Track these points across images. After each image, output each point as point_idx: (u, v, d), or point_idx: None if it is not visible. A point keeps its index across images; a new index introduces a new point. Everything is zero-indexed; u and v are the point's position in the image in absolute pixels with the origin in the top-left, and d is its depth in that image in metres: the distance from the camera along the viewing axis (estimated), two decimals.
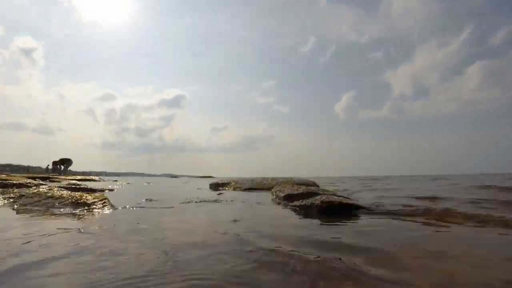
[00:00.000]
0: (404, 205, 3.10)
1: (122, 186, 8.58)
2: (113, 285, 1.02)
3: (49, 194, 3.43)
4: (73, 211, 2.74)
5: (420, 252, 1.45)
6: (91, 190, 5.32)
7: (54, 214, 2.59)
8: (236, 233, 1.85)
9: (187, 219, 2.48)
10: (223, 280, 1.07)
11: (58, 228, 1.95)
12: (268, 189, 6.15)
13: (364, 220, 2.40)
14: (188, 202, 3.76)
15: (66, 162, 20.36)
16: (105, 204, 3.04)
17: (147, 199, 3.86)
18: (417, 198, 4.24)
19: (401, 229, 2.05)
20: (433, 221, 2.32)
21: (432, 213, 2.64)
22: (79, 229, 1.88)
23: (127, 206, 3.22)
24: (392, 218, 2.47)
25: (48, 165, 21.59)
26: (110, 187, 7.36)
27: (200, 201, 3.87)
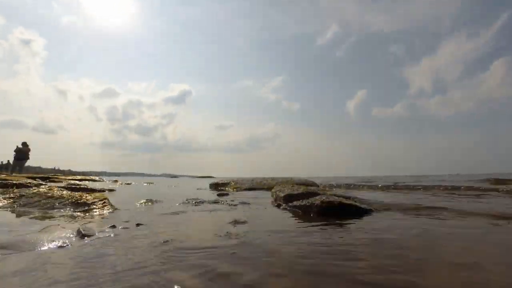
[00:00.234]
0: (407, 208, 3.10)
1: (122, 186, 8.57)
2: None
3: (49, 194, 3.43)
4: (73, 211, 2.74)
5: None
6: (91, 190, 5.32)
7: (53, 216, 2.59)
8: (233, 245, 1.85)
9: (187, 220, 2.48)
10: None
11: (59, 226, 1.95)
12: (268, 189, 6.15)
13: (365, 221, 2.40)
14: (188, 203, 3.76)
15: (22, 156, 14.18)
16: (105, 204, 3.04)
17: (147, 199, 3.86)
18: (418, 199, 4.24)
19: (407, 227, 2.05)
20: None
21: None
22: (78, 229, 1.87)
23: (127, 207, 3.22)
24: (394, 219, 2.47)
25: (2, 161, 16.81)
26: (110, 187, 7.36)
27: (199, 201, 3.87)
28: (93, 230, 1.88)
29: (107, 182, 11.32)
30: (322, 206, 2.74)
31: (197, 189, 8.03)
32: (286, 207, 3.29)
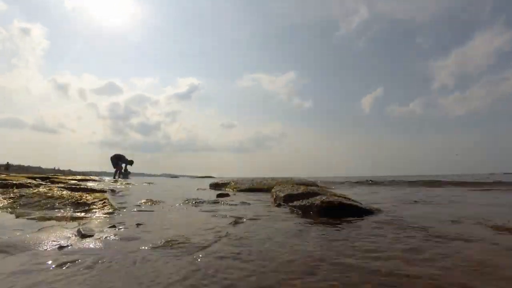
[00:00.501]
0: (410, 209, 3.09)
1: (122, 186, 8.58)
2: None
3: (49, 194, 3.43)
4: (73, 211, 2.74)
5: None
6: (91, 190, 5.32)
7: (53, 216, 2.59)
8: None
9: (187, 220, 2.48)
10: None
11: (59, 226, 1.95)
12: (268, 189, 6.15)
13: (367, 223, 2.40)
14: (188, 203, 3.76)
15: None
16: (105, 204, 3.04)
17: (147, 199, 3.85)
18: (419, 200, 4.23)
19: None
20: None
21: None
22: (78, 229, 1.87)
23: (127, 207, 3.22)
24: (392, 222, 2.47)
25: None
26: (110, 187, 7.36)
27: (200, 202, 3.87)
28: (93, 230, 1.88)
29: (107, 182, 11.32)
30: (322, 206, 2.74)
31: (197, 189, 8.03)
32: (286, 207, 3.29)
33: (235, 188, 7.13)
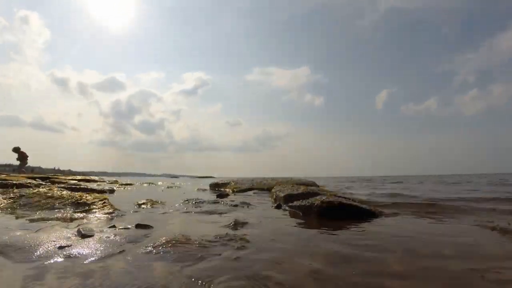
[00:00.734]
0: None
1: (122, 186, 8.58)
2: None
3: (49, 194, 3.43)
4: (74, 211, 2.73)
5: None
6: (91, 190, 5.32)
7: (53, 216, 2.59)
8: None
9: (187, 221, 2.48)
10: None
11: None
12: (268, 189, 6.15)
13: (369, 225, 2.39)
14: (188, 203, 3.76)
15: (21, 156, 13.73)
16: (105, 204, 3.04)
17: (147, 199, 3.85)
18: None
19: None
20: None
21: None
22: (79, 229, 1.87)
23: (127, 207, 3.22)
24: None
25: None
26: (110, 187, 7.36)
27: (200, 202, 3.87)
28: (93, 230, 1.87)
29: (107, 182, 11.32)
30: (322, 206, 2.73)
31: (197, 189, 8.04)
32: (286, 207, 3.29)
33: (235, 188, 7.13)
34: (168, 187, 9.42)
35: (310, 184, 6.44)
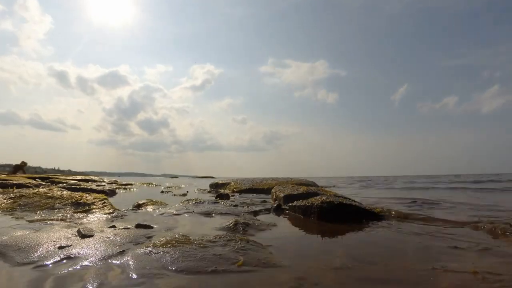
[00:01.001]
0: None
1: (122, 187, 8.58)
2: None
3: (49, 195, 3.43)
4: (74, 211, 2.73)
5: None
6: (91, 190, 5.32)
7: (53, 216, 2.59)
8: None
9: (187, 221, 2.48)
10: None
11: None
12: (269, 189, 6.15)
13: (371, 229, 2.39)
14: (188, 203, 3.75)
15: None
16: (105, 204, 3.04)
17: (147, 200, 3.85)
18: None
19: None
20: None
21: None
22: (79, 229, 1.88)
23: (127, 207, 3.22)
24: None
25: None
26: (110, 187, 7.36)
27: (200, 202, 3.86)
28: (93, 230, 1.87)
29: (107, 182, 11.33)
30: (322, 206, 2.73)
31: (198, 189, 8.04)
32: (286, 207, 3.29)
33: (235, 188, 7.13)
34: (168, 187, 9.42)
35: (310, 184, 6.44)
